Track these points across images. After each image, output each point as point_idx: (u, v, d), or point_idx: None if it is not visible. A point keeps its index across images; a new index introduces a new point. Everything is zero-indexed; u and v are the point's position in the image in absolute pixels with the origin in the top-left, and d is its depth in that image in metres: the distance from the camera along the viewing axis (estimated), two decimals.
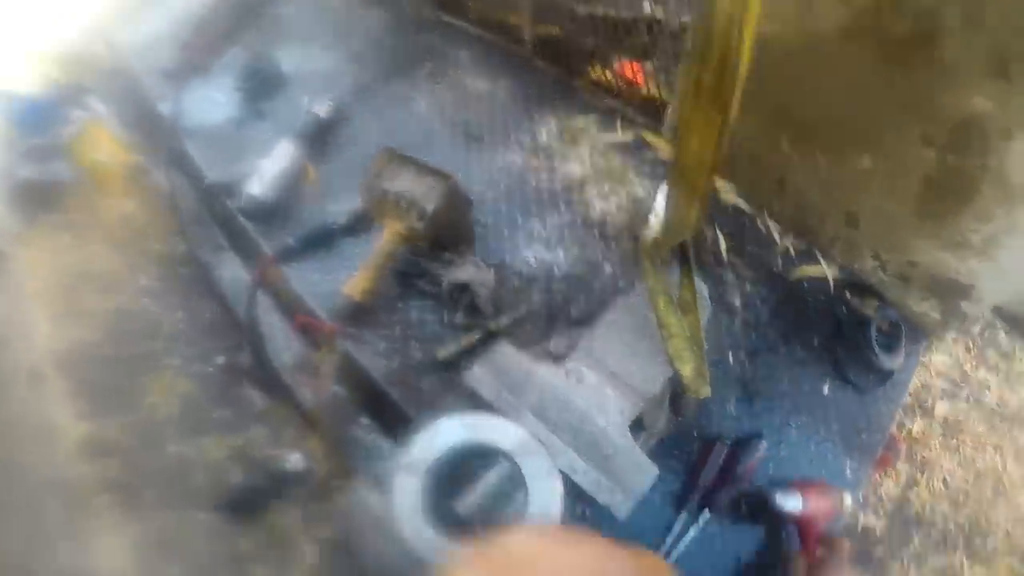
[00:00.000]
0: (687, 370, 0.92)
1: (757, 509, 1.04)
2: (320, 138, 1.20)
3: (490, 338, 1.09)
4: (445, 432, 0.67)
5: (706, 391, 0.94)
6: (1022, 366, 2.69)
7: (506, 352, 0.80)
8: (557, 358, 0.93)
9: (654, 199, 1.26)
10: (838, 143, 1.09)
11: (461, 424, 0.68)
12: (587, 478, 0.73)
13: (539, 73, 1.34)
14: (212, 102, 1.31)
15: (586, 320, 1.14)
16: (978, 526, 2.43)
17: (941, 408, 2.52)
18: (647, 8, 1.27)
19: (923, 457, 2.44)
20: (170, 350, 1.40)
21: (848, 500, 1.07)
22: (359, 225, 1.13)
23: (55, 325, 1.58)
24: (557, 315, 1.14)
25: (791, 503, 1.02)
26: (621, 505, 0.76)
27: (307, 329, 1.10)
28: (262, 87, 1.23)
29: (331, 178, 1.18)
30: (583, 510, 0.85)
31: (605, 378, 0.89)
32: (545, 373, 0.83)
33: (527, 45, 1.38)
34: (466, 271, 1.07)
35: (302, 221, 1.13)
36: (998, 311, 1.21)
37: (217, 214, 1.26)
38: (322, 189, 1.17)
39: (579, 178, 1.29)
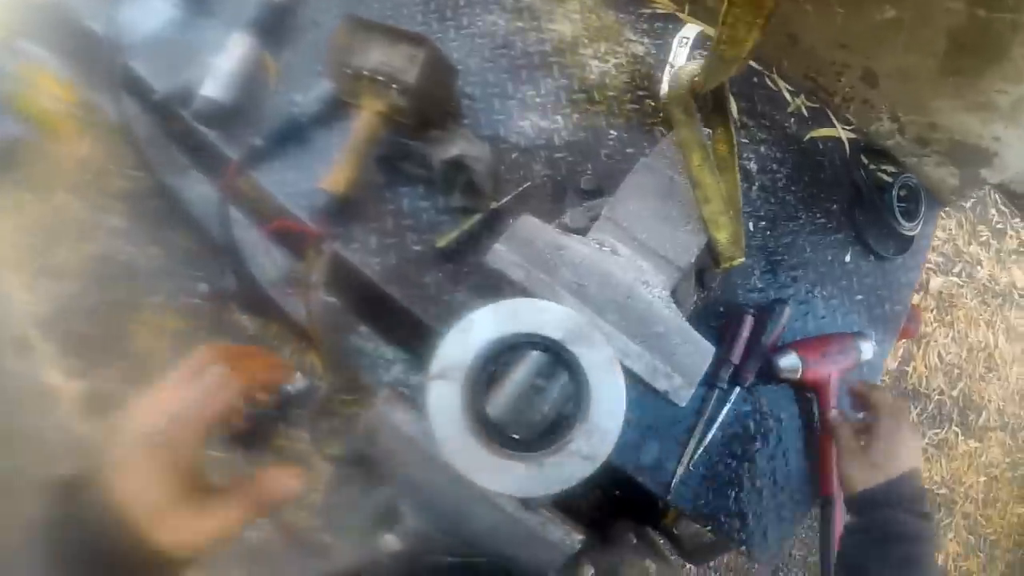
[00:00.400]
0: (723, 236, 0.81)
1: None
2: (276, 25, 1.05)
3: (494, 218, 0.98)
4: (480, 326, 0.53)
5: (741, 259, 0.84)
6: (1013, 243, 2.61)
7: (530, 225, 0.69)
8: (578, 232, 0.82)
9: (670, 50, 1.14)
10: None
11: (496, 313, 0.54)
12: (641, 362, 0.61)
13: None
14: (150, 8, 1.16)
15: (597, 190, 1.03)
16: (971, 401, 2.41)
17: (935, 283, 2.46)
18: None
19: (920, 331, 2.40)
20: (152, 288, 1.30)
21: (867, 348, 1.00)
22: (332, 112, 1.00)
23: (31, 288, 1.49)
24: (565, 187, 1.03)
25: (789, 365, 0.95)
26: (682, 391, 0.65)
27: (287, 235, 0.99)
28: None
29: (294, 66, 1.04)
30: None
31: (636, 249, 0.78)
32: (577, 246, 0.71)
33: None
34: (458, 146, 0.94)
35: (267, 118, 1.00)
36: (999, 186, 1.12)
37: (175, 131, 1.13)
38: (285, 80, 1.03)
39: (571, 38, 1.15)
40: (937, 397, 2.40)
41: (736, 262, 0.84)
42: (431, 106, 0.98)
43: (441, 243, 0.95)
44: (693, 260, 0.81)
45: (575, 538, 0.58)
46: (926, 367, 2.41)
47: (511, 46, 1.12)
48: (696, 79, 0.74)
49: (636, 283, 0.70)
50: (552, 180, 1.04)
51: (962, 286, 2.53)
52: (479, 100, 1.07)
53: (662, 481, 0.95)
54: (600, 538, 0.99)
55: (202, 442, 0.45)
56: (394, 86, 0.93)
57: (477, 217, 0.97)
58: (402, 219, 0.97)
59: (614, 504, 1.07)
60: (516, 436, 0.54)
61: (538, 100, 1.09)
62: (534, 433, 0.59)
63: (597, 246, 0.74)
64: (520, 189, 1.01)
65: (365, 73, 0.94)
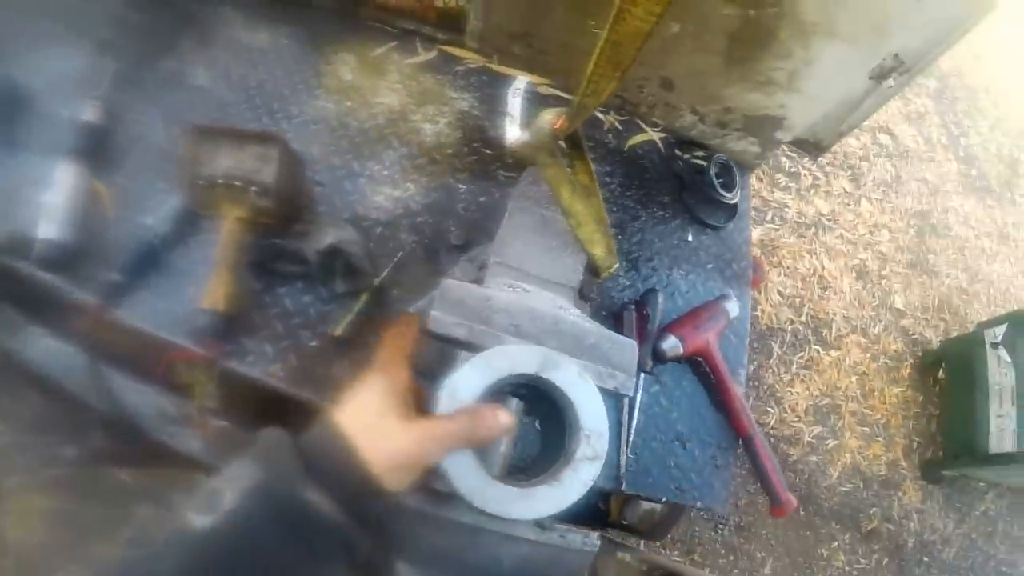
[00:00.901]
0: (599, 251, 0.91)
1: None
2: (99, 148, 0.99)
3: (379, 294, 0.99)
4: (465, 384, 0.57)
5: (616, 265, 0.95)
6: (808, 180, 3.08)
7: (454, 287, 0.72)
8: (476, 281, 0.86)
9: (502, 101, 1.24)
10: None
11: (474, 368, 0.58)
12: (589, 372, 0.68)
13: (319, 11, 1.21)
14: None
15: (467, 243, 1.08)
16: (819, 320, 2.79)
17: (755, 233, 2.83)
18: None
19: (765, 275, 2.76)
20: (5, 468, 1.13)
21: (732, 306, 1.15)
22: (187, 228, 0.96)
23: None
24: (436, 247, 1.07)
25: (671, 347, 1.08)
26: (627, 383, 0.73)
27: (173, 369, 0.93)
28: (4, 112, 0.98)
29: (130, 188, 0.98)
30: None
31: (534, 282, 0.84)
32: (499, 293, 0.76)
33: None
34: (331, 234, 0.95)
35: (118, 249, 0.93)
36: (791, 142, 1.36)
37: (6, 287, 1.01)
38: (125, 203, 0.97)
39: (399, 108, 1.20)
40: (790, 327, 2.72)
41: (613, 269, 0.94)
42: (290, 201, 0.98)
43: (338, 331, 0.95)
44: (581, 277, 0.89)
45: (594, 537, 0.64)
46: (771, 306, 2.73)
47: (346, 126, 1.14)
48: (558, 125, 0.81)
49: (555, 309, 0.76)
50: (421, 244, 1.07)
51: (778, 229, 2.91)
52: (329, 185, 1.08)
53: (612, 476, 1.01)
54: None
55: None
56: (252, 188, 0.92)
57: (364, 297, 0.97)
58: (290, 319, 0.96)
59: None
60: (524, 469, 0.59)
61: (385, 173, 1.12)
62: (532, 462, 0.66)
63: (509, 288, 0.79)
64: (395, 260, 1.03)
65: (219, 181, 0.92)
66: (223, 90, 1.08)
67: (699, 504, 1.06)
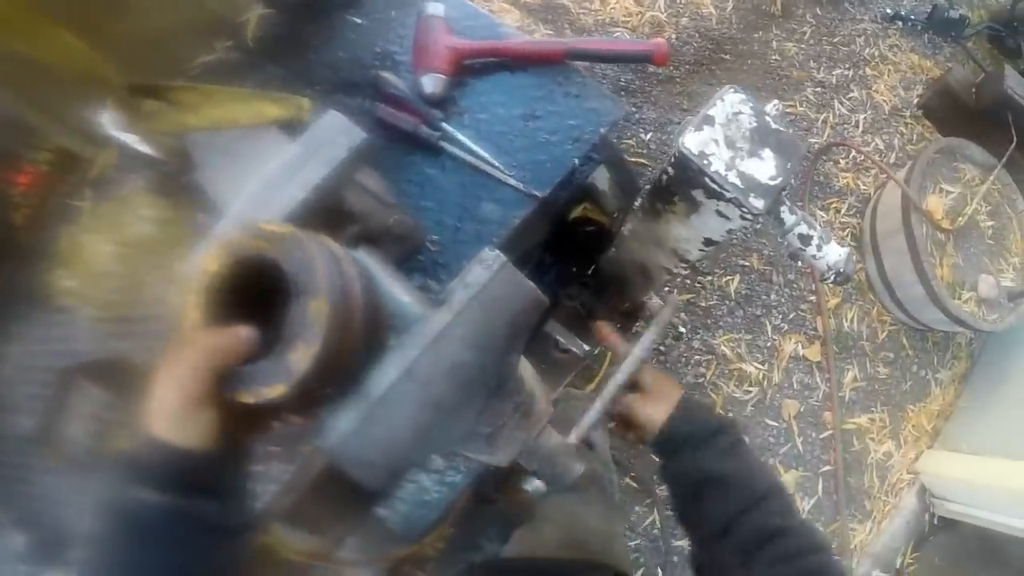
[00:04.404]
0: (274, 111, 0.86)
1: None
2: None
3: None
4: None
5: (305, 100, 0.86)
6: None
7: None
8: None
9: None
10: None
11: None
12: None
13: None
14: None
15: None
16: None
17: None
18: None
19: None
20: None
21: (435, 6, 1.05)
22: None
23: None
24: None
25: (431, 84, 0.99)
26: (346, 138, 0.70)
27: None
28: None
29: None
30: None
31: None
32: None
33: None
34: None
35: None
36: None
37: None
38: None
39: None
40: None
41: (307, 109, 0.87)
42: None
43: None
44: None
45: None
46: None
47: None
48: None
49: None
50: None
51: None
52: None
53: (518, 200, 0.95)
54: None
55: None
56: None
57: None
58: None
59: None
60: None
61: None
62: None
63: None
64: None
65: None
66: None
67: (604, 128, 0.99)
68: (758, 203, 0.80)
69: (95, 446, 0.88)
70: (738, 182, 0.80)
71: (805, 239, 0.86)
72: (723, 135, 0.82)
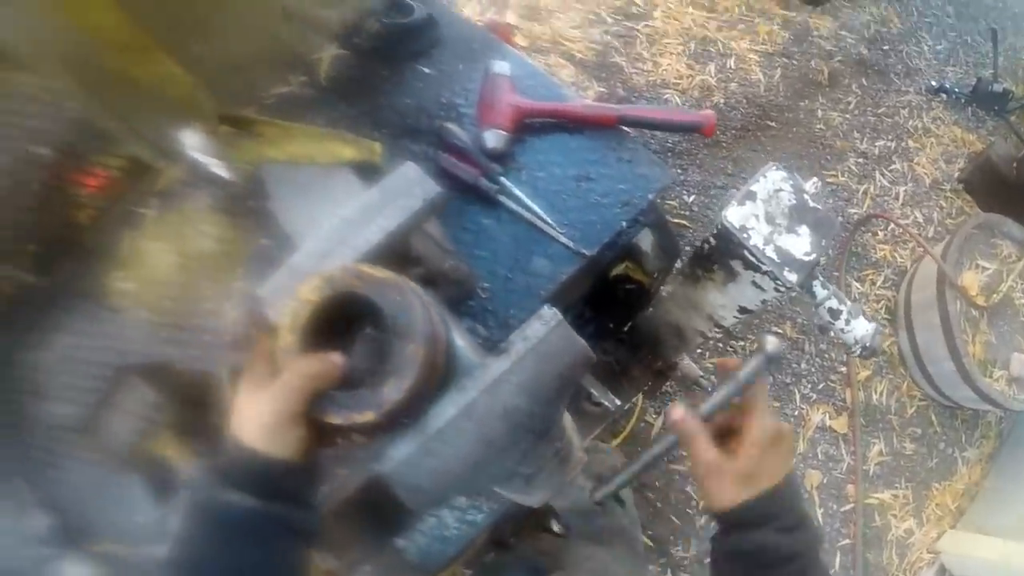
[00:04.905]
0: (349, 153, 0.90)
1: None
2: None
3: None
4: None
5: (377, 145, 0.95)
6: None
7: None
8: None
9: None
10: None
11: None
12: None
13: None
14: None
15: None
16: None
17: None
18: None
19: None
20: None
21: (502, 65, 1.11)
22: None
23: None
24: None
25: (493, 139, 1.04)
26: (423, 190, 0.75)
27: None
28: None
29: None
30: None
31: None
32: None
33: None
34: None
35: None
36: None
37: None
38: None
39: None
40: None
41: (379, 152, 0.90)
42: None
43: None
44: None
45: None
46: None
47: None
48: None
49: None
50: None
51: None
52: None
53: (567, 256, 0.99)
54: None
55: None
56: None
57: None
58: None
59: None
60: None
61: None
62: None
63: None
64: None
65: None
66: None
67: (652, 194, 1.04)
68: (792, 277, 0.85)
69: (136, 444, 0.94)
70: (775, 256, 0.85)
71: (835, 313, 0.91)
72: (764, 211, 0.88)
